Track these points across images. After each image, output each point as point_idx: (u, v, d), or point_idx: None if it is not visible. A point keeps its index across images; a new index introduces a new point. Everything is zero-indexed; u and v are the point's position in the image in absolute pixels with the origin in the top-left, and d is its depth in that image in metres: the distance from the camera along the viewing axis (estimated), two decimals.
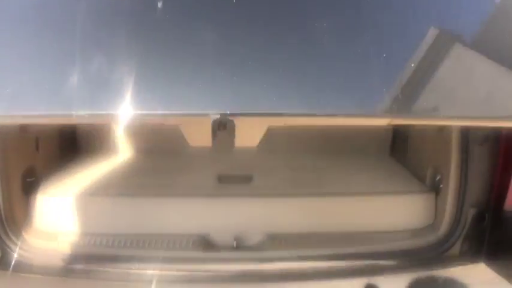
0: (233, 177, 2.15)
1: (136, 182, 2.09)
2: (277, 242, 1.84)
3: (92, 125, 2.45)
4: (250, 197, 1.95)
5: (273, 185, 2.07)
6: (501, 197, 1.74)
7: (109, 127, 2.48)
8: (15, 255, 1.70)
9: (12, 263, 1.69)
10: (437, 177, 1.97)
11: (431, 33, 1.24)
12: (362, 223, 1.91)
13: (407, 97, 1.21)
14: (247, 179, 2.11)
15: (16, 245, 1.73)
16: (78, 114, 1.17)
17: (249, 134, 1.54)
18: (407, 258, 1.77)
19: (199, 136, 1.51)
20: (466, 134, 1.80)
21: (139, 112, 1.17)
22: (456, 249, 1.79)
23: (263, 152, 2.49)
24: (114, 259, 1.75)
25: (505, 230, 1.74)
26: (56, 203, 1.92)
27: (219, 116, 1.21)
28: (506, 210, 1.73)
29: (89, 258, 1.74)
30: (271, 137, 2.53)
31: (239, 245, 1.81)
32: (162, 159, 2.42)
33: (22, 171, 1.90)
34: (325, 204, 1.94)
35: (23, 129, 1.94)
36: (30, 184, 1.93)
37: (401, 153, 2.46)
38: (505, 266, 1.72)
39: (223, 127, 1.41)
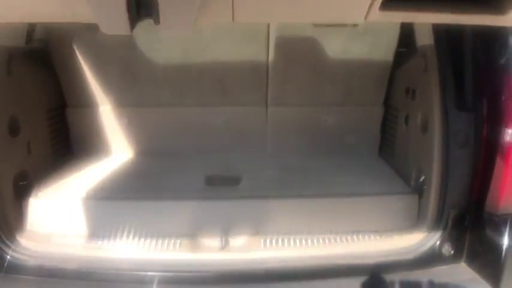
0: (221, 178, 2.19)
1: (127, 185, 2.13)
2: (264, 243, 1.88)
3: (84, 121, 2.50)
4: (238, 198, 2.00)
5: (260, 186, 2.11)
6: (481, 199, 1.79)
7: (101, 129, 2.52)
8: (9, 258, 1.74)
9: (5, 265, 1.73)
10: (421, 179, 2.02)
11: None
12: (347, 224, 1.95)
13: None
14: (235, 181, 2.15)
15: (9, 247, 1.76)
16: None
17: (179, 13, 1.14)
18: (390, 258, 1.81)
19: (115, 18, 1.12)
20: (448, 137, 1.84)
21: None
22: (438, 249, 1.83)
23: (252, 152, 2.54)
24: (105, 261, 1.79)
25: (485, 230, 1.78)
26: (49, 205, 1.96)
27: None
28: (486, 211, 1.78)
29: (81, 260, 1.78)
30: (259, 136, 2.59)
31: (226, 246, 1.85)
32: (153, 160, 2.47)
33: (14, 175, 1.93)
34: (310, 205, 1.98)
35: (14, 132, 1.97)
36: (22, 187, 1.97)
37: (389, 153, 2.51)
38: (485, 266, 1.76)
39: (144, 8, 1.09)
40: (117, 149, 2.56)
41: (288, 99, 2.54)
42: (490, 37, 1.72)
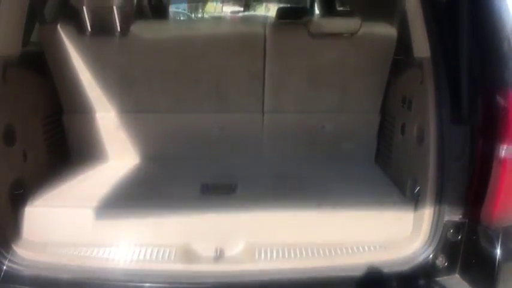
0: (217, 186, 2.19)
1: (124, 193, 2.13)
2: (259, 254, 1.88)
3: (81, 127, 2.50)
4: (234, 208, 2.00)
5: (256, 195, 2.11)
6: (476, 211, 1.79)
7: (98, 135, 2.52)
8: (5, 268, 1.74)
9: (1, 275, 1.73)
10: (416, 189, 2.02)
11: None
12: (342, 235, 1.95)
13: None
14: (231, 189, 2.16)
15: (5, 257, 1.76)
16: None
17: None
18: (383, 270, 1.82)
19: None
20: (443, 150, 1.84)
21: None
22: (432, 261, 1.83)
23: (248, 159, 2.54)
24: (101, 271, 1.79)
25: (479, 243, 1.79)
26: (45, 214, 1.96)
27: None
28: (481, 224, 1.79)
29: (77, 270, 1.79)
30: (255, 143, 2.59)
31: (222, 257, 1.85)
32: (150, 167, 2.47)
33: (10, 184, 1.93)
34: (306, 215, 1.99)
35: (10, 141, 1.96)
36: (18, 196, 1.96)
37: (385, 161, 2.51)
38: (478, 278, 1.78)
39: None
40: (114, 155, 2.56)
41: (284, 106, 2.54)
42: (486, 51, 1.72)
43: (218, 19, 7.75)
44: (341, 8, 4.37)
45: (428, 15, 1.88)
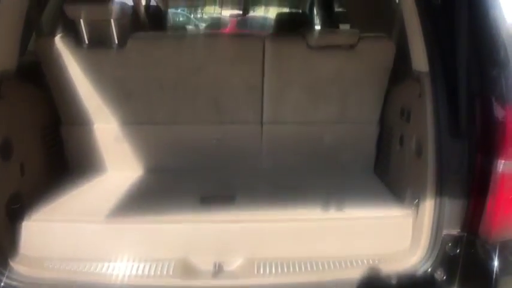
0: (216, 199, 2.18)
1: (123, 206, 2.11)
2: (258, 269, 1.87)
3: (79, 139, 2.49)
4: (232, 222, 1.99)
5: (255, 208, 2.10)
6: (475, 225, 1.79)
7: (96, 147, 2.51)
8: (2, 284, 1.74)
9: None
10: (415, 202, 2.01)
11: None
12: (341, 248, 1.95)
13: None
14: (230, 202, 2.15)
15: (3, 274, 1.76)
16: None
17: None
18: (383, 283, 1.82)
19: None
20: (442, 163, 1.84)
21: None
22: (430, 274, 1.83)
23: (247, 171, 2.53)
24: (100, 286, 1.79)
25: (478, 256, 1.79)
26: (43, 229, 1.95)
27: None
28: (480, 237, 1.78)
29: (75, 285, 1.79)
30: (254, 154, 2.59)
31: (220, 272, 1.85)
32: (148, 179, 2.46)
33: (6, 199, 1.92)
34: (305, 228, 1.99)
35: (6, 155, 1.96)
36: (15, 211, 1.96)
37: (384, 172, 2.51)
38: None
39: None
40: (113, 167, 2.54)
41: (283, 117, 2.53)
42: (485, 65, 1.72)
43: (218, 23, 7.75)
44: (340, 9, 4.38)
45: (426, 30, 1.88)
